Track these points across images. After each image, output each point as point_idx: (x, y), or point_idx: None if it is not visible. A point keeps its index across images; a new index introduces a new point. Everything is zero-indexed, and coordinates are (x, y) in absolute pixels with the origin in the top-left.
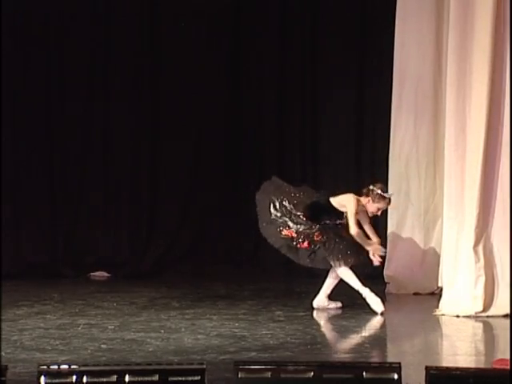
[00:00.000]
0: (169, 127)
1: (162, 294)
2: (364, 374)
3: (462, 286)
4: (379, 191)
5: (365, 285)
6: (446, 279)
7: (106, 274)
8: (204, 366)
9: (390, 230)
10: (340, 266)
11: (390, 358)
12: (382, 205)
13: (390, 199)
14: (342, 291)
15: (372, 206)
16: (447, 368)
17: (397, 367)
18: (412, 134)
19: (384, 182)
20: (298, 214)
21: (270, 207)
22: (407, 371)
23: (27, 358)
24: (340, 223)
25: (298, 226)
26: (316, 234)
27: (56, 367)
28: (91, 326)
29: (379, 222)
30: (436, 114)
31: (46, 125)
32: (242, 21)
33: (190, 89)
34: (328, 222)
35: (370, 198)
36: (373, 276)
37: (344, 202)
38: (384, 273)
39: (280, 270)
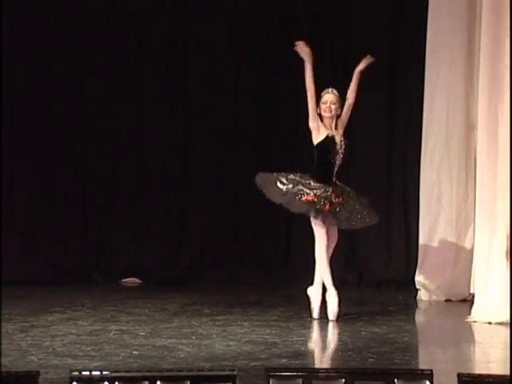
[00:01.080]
0: (200, 133)
1: (193, 301)
2: (396, 380)
3: (494, 293)
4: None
5: (336, 287)
6: (478, 286)
7: (137, 281)
8: (235, 373)
9: (421, 236)
10: (360, 225)
11: (422, 365)
12: (324, 98)
13: (327, 91)
14: (371, 298)
15: (322, 108)
16: (479, 375)
17: (429, 374)
18: (443, 140)
19: (416, 189)
20: (308, 181)
21: (277, 184)
22: (439, 378)
23: (59, 364)
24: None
25: (315, 191)
26: (333, 195)
27: (88, 373)
28: (123, 332)
29: (411, 229)
30: (467, 120)
31: (77, 132)
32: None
33: (221, 94)
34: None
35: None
36: (404, 282)
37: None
38: (415, 279)
39: (311, 277)
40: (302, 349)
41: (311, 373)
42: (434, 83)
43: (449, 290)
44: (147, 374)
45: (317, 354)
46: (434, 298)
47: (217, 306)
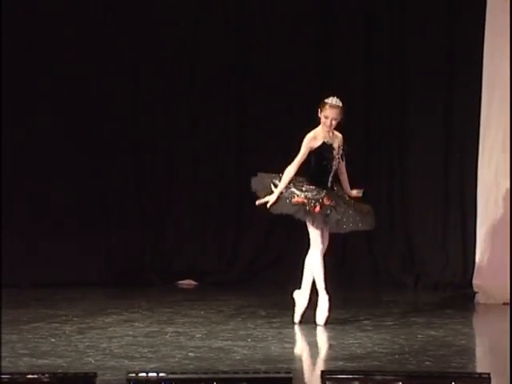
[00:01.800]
0: (255, 138)
1: (249, 303)
2: None
3: None
4: (325, 100)
5: (327, 291)
6: None
7: (193, 282)
8: (291, 375)
9: (479, 238)
10: (351, 229)
11: (479, 369)
12: (326, 112)
13: (332, 104)
14: (427, 300)
15: (322, 120)
16: None
17: (486, 378)
18: (501, 141)
19: (473, 191)
20: (301, 183)
21: (271, 187)
22: (497, 382)
23: (116, 365)
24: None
25: (306, 193)
26: (325, 198)
27: (144, 375)
28: (179, 334)
29: (468, 231)
30: None
31: (133, 136)
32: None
33: (275, 101)
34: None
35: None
36: (461, 285)
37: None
38: (473, 282)
39: (367, 279)
40: (358, 351)
41: (367, 375)
42: (491, 83)
43: (506, 293)
44: (203, 375)
45: (373, 357)
46: (491, 301)
47: (273, 308)
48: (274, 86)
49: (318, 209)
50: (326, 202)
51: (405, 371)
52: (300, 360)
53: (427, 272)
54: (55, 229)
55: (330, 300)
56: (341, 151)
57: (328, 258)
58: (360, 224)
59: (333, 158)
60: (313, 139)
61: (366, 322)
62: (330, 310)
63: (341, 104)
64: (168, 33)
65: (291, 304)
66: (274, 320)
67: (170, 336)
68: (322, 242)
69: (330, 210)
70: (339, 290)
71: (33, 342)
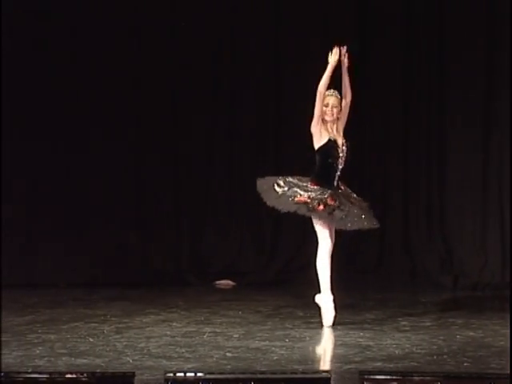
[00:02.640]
0: (291, 140)
1: (286, 303)
2: None
3: None
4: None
5: (333, 293)
6: None
7: (231, 283)
8: (329, 375)
9: None
10: (356, 227)
11: None
12: (326, 100)
13: (329, 93)
14: (466, 301)
15: (325, 112)
16: None
17: None
18: None
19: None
20: (306, 184)
21: (274, 187)
22: None
23: (154, 365)
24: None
25: (310, 193)
26: (329, 198)
27: (182, 375)
28: (216, 334)
29: (507, 232)
30: None
31: (171, 136)
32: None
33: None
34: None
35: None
36: (500, 286)
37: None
38: None
39: (405, 280)
40: (396, 352)
41: (405, 376)
42: None
43: None
44: (241, 376)
45: (411, 358)
46: None
47: (310, 309)
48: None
49: (321, 207)
50: (330, 202)
51: (443, 372)
52: (338, 360)
53: (466, 272)
54: (94, 229)
55: (334, 301)
56: (345, 149)
57: (366, 258)
58: (365, 223)
59: (338, 155)
60: (319, 129)
61: (404, 322)
62: (336, 310)
63: (338, 94)
64: (205, 35)
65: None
66: (312, 320)
67: (207, 336)
68: (330, 241)
69: (334, 209)
70: (376, 290)
71: (71, 342)
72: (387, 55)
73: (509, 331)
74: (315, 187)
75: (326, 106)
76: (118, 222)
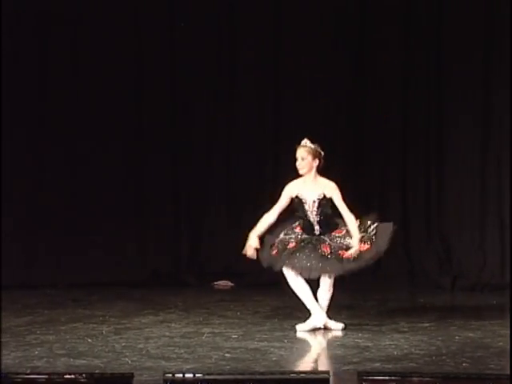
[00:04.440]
0: (290, 140)
1: (285, 304)
2: None
3: None
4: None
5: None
6: None
7: (229, 283)
8: (328, 376)
9: None
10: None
11: None
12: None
13: (302, 142)
14: (465, 302)
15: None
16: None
17: None
18: None
19: (511, 191)
20: (293, 226)
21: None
22: None
23: (153, 366)
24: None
25: (284, 236)
26: (291, 241)
27: (181, 375)
28: (215, 335)
29: (506, 232)
30: None
31: (170, 136)
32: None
33: (310, 114)
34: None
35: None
36: (499, 286)
37: (331, 194)
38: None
39: (404, 281)
40: (395, 353)
41: (404, 377)
42: None
43: None
44: (239, 376)
45: (409, 359)
46: None
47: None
48: (309, 88)
49: (275, 252)
50: (290, 245)
51: (442, 373)
52: (336, 361)
53: (464, 273)
54: (91, 229)
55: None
56: (316, 205)
57: None
58: (298, 271)
59: (305, 211)
60: (290, 187)
61: (402, 323)
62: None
63: (308, 144)
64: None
65: None
66: None
67: (206, 337)
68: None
69: (286, 253)
70: (375, 291)
71: (70, 343)
72: (386, 56)
73: (507, 332)
74: (296, 230)
75: (296, 159)
76: (116, 223)
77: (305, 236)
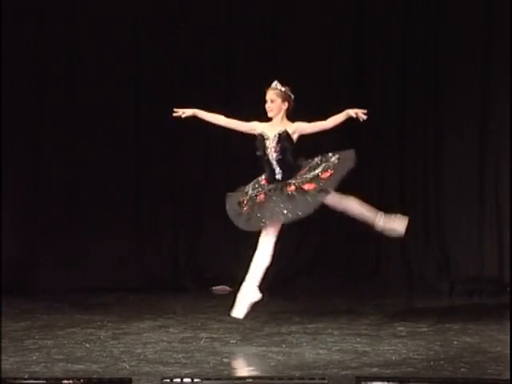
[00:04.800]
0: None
1: (283, 309)
2: None
3: None
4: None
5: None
6: None
7: (227, 288)
8: (326, 381)
9: None
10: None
11: None
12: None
13: (272, 85)
14: (463, 307)
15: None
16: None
17: None
18: None
19: (508, 197)
20: (259, 179)
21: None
22: None
23: (151, 370)
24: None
25: (252, 191)
26: (259, 195)
27: (179, 380)
28: (213, 340)
29: (504, 237)
30: None
31: (167, 143)
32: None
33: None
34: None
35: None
36: (497, 292)
37: (296, 126)
38: (508, 288)
39: (402, 285)
40: (393, 358)
41: (402, 382)
42: None
43: None
44: (237, 381)
45: (408, 364)
46: None
47: (307, 314)
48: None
49: (246, 209)
50: (259, 199)
51: (440, 378)
52: (334, 366)
53: (462, 278)
54: (89, 235)
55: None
56: (277, 137)
57: (363, 264)
58: (292, 211)
59: (266, 148)
60: (258, 123)
61: (400, 328)
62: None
63: (279, 86)
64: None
65: (325, 310)
66: (309, 326)
67: (204, 342)
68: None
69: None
70: (373, 296)
71: (68, 348)
72: (384, 58)
73: (506, 337)
74: (263, 183)
75: (265, 101)
76: (114, 228)
77: (271, 186)
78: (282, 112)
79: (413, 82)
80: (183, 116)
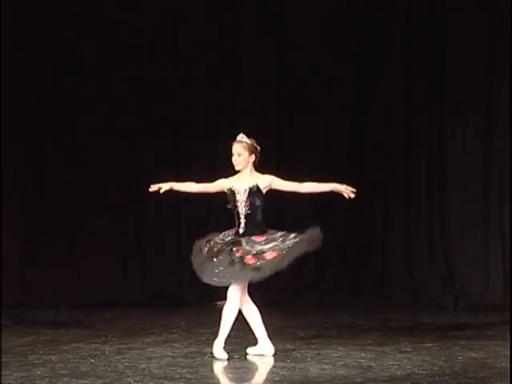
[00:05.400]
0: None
1: (287, 324)
2: None
3: None
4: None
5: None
6: None
7: None
8: None
9: None
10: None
11: None
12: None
13: (236, 140)
14: (468, 322)
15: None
16: None
17: None
18: None
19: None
20: (230, 230)
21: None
22: None
23: None
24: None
25: (220, 237)
26: (218, 243)
27: None
28: None
29: (508, 253)
30: None
31: (171, 156)
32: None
33: (314, 125)
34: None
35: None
36: (502, 307)
37: (269, 181)
38: None
39: (407, 301)
40: (398, 373)
41: None
42: None
43: None
44: None
45: (412, 379)
46: None
47: (311, 330)
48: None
49: (205, 250)
50: (216, 248)
51: None
52: (339, 381)
53: (467, 293)
54: (93, 250)
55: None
56: (247, 192)
57: (367, 279)
58: (225, 277)
59: (236, 201)
60: (225, 180)
61: (405, 343)
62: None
63: (244, 139)
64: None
65: (329, 325)
66: (313, 341)
67: (208, 357)
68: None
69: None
70: (378, 311)
71: (72, 363)
72: (388, 66)
73: (510, 352)
74: (231, 233)
75: (232, 155)
76: (118, 243)
77: (231, 239)
78: (250, 165)
79: (417, 83)
80: (161, 192)
